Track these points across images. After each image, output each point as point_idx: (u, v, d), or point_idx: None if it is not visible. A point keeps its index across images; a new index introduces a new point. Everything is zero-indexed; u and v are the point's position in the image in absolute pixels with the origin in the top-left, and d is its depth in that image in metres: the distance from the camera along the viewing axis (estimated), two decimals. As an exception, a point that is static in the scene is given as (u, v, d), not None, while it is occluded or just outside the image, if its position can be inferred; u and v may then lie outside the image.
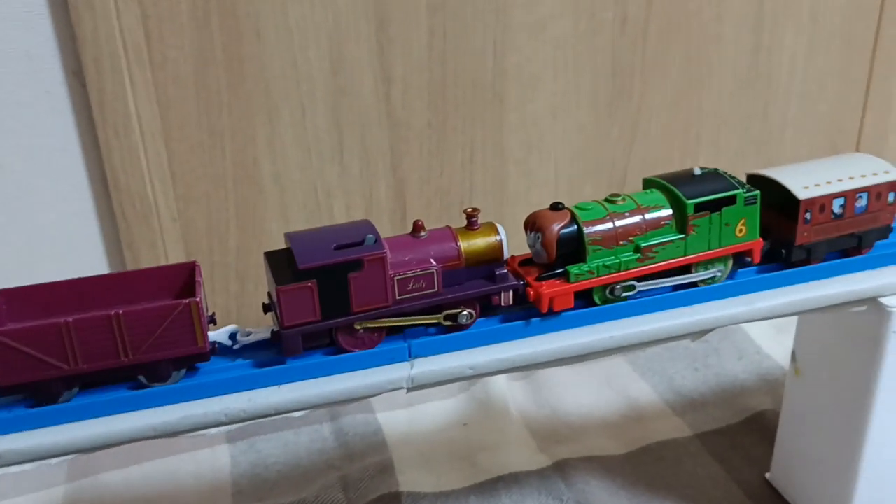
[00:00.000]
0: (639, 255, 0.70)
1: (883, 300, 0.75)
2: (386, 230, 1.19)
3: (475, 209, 0.69)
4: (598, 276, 0.69)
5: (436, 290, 0.66)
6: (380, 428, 1.05)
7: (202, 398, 0.63)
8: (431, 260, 0.66)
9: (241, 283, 1.16)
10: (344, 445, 1.02)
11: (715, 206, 0.71)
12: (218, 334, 0.67)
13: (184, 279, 0.66)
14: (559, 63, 1.17)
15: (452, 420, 1.06)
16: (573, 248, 0.69)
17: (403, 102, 1.13)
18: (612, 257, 0.69)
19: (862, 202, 0.76)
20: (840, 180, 0.75)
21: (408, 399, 1.09)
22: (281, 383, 0.64)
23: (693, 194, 0.71)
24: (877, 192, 0.76)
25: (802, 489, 0.90)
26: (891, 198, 0.77)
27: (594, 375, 1.14)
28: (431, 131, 1.16)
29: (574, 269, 0.68)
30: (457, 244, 0.67)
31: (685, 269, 0.73)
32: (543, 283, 0.68)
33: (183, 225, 1.10)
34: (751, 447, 0.99)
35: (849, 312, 0.76)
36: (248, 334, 0.67)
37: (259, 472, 0.99)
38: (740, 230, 0.72)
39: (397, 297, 0.65)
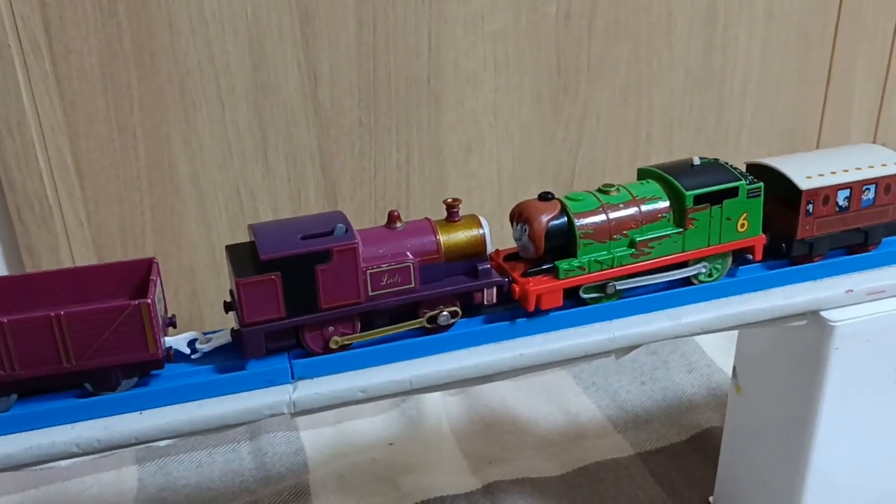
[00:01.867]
0: (633, 249, 0.64)
1: (824, 314, 0.69)
2: (316, 235, 1.13)
3: (456, 199, 0.63)
4: (590, 273, 0.64)
5: (412, 285, 0.60)
6: (302, 447, 0.98)
7: (150, 408, 0.57)
8: (408, 253, 0.60)
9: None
10: (261, 466, 0.95)
11: (716, 198, 0.65)
12: (176, 340, 0.60)
13: (143, 277, 0.60)
14: (499, 59, 1.11)
15: (381, 438, 0.99)
16: (563, 242, 0.63)
17: (332, 100, 1.06)
18: (605, 252, 0.64)
19: (869, 195, 0.70)
20: (846, 171, 0.69)
21: (335, 415, 1.02)
22: (239, 391, 0.58)
23: (692, 185, 0.65)
24: (885, 185, 0.70)
25: (746, 514, 0.84)
26: None
27: (535, 389, 1.07)
28: (363, 130, 1.09)
29: (563, 265, 0.63)
30: (436, 237, 0.62)
31: (681, 265, 0.67)
32: (530, 279, 0.63)
33: (93, 229, 1.03)
34: (694, 468, 0.93)
35: (789, 327, 0.70)
36: (209, 340, 0.61)
37: (166, 497, 0.91)
38: (742, 224, 0.67)
39: (370, 294, 0.60)
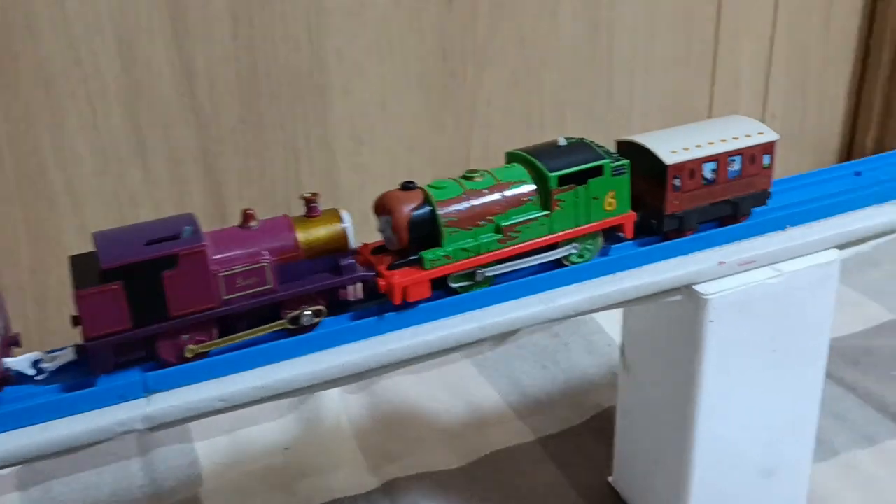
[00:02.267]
0: (500, 235, 0.63)
1: (697, 287, 0.69)
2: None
3: (314, 194, 0.61)
4: (456, 261, 0.62)
5: (270, 286, 0.58)
6: (196, 459, 0.95)
7: (15, 429, 0.54)
8: (264, 252, 0.58)
9: (40, 307, 1.04)
10: (153, 482, 0.91)
11: (580, 178, 0.65)
12: (17, 362, 0.57)
13: None
14: (383, 46, 1.09)
15: (278, 444, 0.97)
16: (427, 232, 0.62)
17: (211, 98, 1.03)
18: (471, 239, 0.63)
19: (735, 166, 0.70)
20: (711, 143, 0.69)
21: (229, 422, 0.99)
22: (88, 409, 0.56)
23: (556, 167, 0.64)
24: (751, 155, 0.70)
25: (642, 491, 0.84)
26: (766, 161, 0.71)
27: (437, 380, 1.06)
28: (246, 128, 1.06)
29: (428, 255, 0.61)
30: (293, 233, 0.60)
31: (550, 248, 0.66)
32: (395, 271, 0.61)
33: (-39, 246, 0.97)
34: (594, 449, 0.93)
35: (665, 303, 0.70)
36: (54, 358, 0.57)
37: (52, 522, 0.87)
38: (609, 203, 0.67)
39: (224, 297, 0.57)
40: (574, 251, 0.67)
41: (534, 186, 0.65)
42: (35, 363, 0.57)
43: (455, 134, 1.17)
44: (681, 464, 0.76)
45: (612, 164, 0.66)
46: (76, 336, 0.77)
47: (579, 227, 0.66)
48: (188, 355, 0.58)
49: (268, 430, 0.99)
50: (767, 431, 0.78)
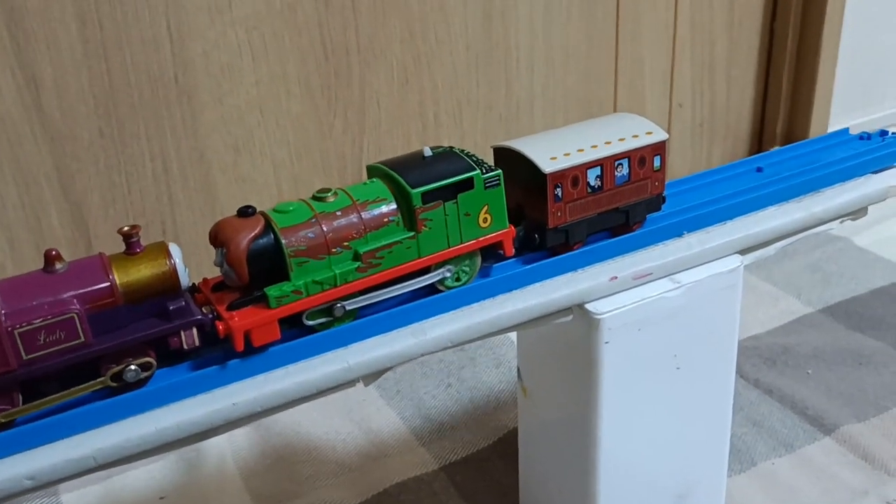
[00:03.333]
0: (359, 263, 0.56)
1: (589, 306, 0.62)
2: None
3: (134, 227, 0.53)
4: (309, 296, 0.54)
5: (81, 339, 0.50)
6: (61, 514, 0.85)
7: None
8: (73, 301, 0.50)
9: None
10: (8, 546, 0.81)
11: (448, 193, 0.57)
12: None
13: None
14: (256, 47, 0.99)
15: (155, 491, 0.87)
16: (271, 265, 0.54)
17: (61, 110, 0.92)
18: (325, 270, 0.55)
19: (623, 170, 0.63)
20: (595, 147, 0.62)
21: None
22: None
23: (419, 181, 0.56)
24: (639, 158, 0.63)
25: (549, 522, 0.78)
26: (657, 163, 0.64)
27: (334, 407, 0.98)
28: (106, 141, 0.96)
29: (273, 291, 0.53)
30: (108, 276, 0.51)
31: (421, 273, 0.58)
32: (235, 312, 0.53)
33: None
34: (500, 475, 0.86)
35: (555, 324, 0.63)
36: None
37: None
38: (484, 219, 0.59)
39: (25, 357, 0.49)
40: (448, 274, 0.59)
41: (395, 205, 0.57)
42: None
43: (343, 137, 1.08)
44: (586, 490, 0.70)
45: (485, 176, 0.58)
46: None
47: (452, 248, 0.58)
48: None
49: (144, 475, 0.89)
50: (678, 451, 0.72)
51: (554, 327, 0.64)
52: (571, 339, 0.65)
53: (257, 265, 0.53)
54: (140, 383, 0.52)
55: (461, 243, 0.59)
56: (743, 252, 0.67)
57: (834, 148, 0.76)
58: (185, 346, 0.53)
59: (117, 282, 0.51)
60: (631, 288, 0.64)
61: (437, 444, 0.91)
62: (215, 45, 0.97)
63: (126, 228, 0.53)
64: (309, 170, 1.08)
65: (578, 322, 0.63)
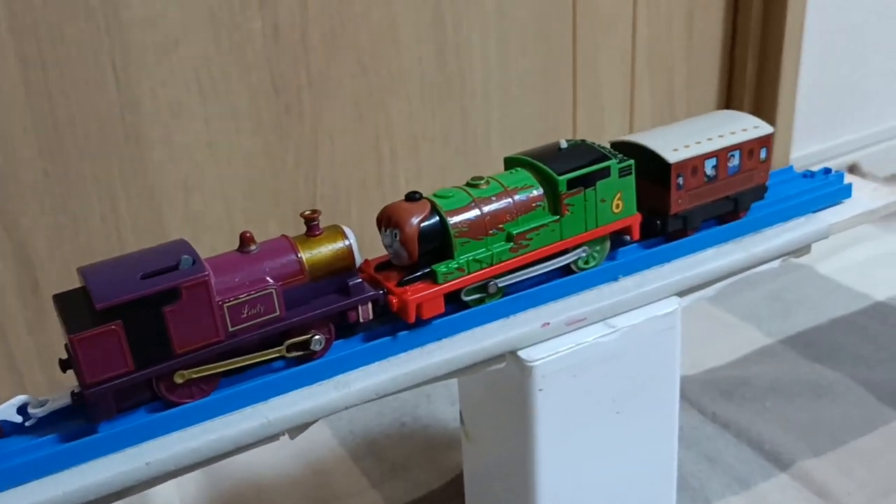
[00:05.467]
0: (511, 244, 0.60)
1: (521, 353, 0.61)
2: (13, 308, 0.97)
3: (315, 211, 0.58)
4: (470, 273, 0.59)
5: (277, 313, 0.54)
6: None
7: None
8: (268, 278, 0.54)
9: None
10: None
11: (589, 180, 0.62)
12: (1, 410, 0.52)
13: None
14: (204, 85, 0.98)
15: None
16: (437, 244, 0.59)
17: (4, 151, 0.91)
18: (483, 249, 0.60)
19: (735, 161, 0.68)
20: (710, 139, 0.67)
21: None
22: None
23: (564, 169, 0.61)
24: (749, 150, 0.69)
25: (496, 569, 0.76)
26: (763, 154, 0.70)
27: (287, 450, 0.96)
28: (52, 182, 0.94)
29: (441, 268, 0.58)
30: (297, 255, 0.56)
31: (559, 254, 0.63)
32: (407, 287, 0.58)
33: None
34: (451, 519, 0.85)
35: (489, 371, 0.62)
36: (43, 403, 0.53)
37: None
38: (617, 205, 0.64)
39: (230, 329, 0.53)
40: (584, 255, 0.64)
41: (541, 192, 0.62)
42: (21, 409, 0.52)
43: (296, 173, 1.07)
44: (529, 540, 0.68)
45: (619, 165, 0.63)
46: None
47: (589, 231, 0.63)
48: (178, 380, 0.53)
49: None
50: (622, 494, 0.71)
51: (490, 373, 0.62)
52: (507, 386, 0.64)
53: (426, 244, 0.58)
54: (321, 353, 0.56)
55: (597, 227, 0.63)
56: (681, 294, 0.67)
57: (778, 186, 0.76)
58: (361, 320, 0.57)
59: (304, 260, 0.56)
60: (565, 333, 0.63)
61: (389, 486, 0.90)
62: (162, 83, 0.96)
63: (308, 212, 0.57)
64: (262, 206, 1.07)
65: (512, 369, 0.62)
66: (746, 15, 1.33)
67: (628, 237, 0.65)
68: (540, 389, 0.62)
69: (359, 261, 0.58)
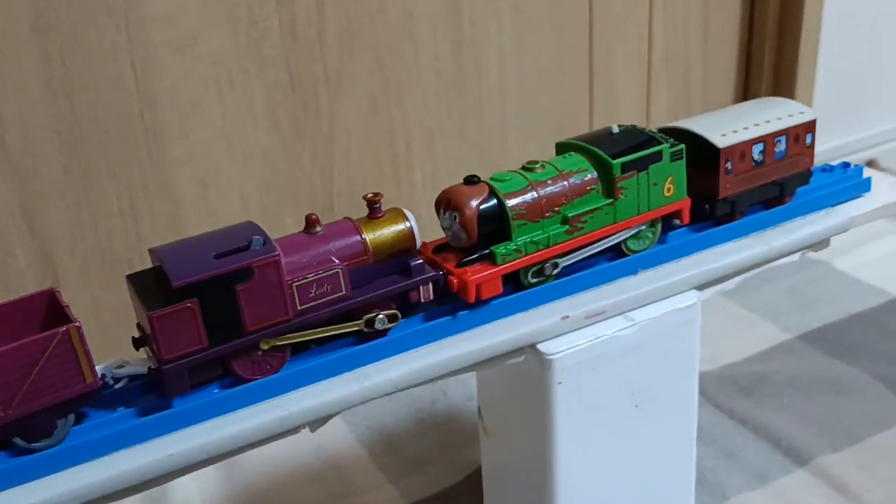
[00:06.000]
0: (567, 226, 0.62)
1: (541, 346, 0.61)
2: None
3: (377, 194, 0.59)
4: (527, 255, 0.61)
5: (343, 293, 0.56)
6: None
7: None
8: (334, 258, 0.56)
9: None
10: None
11: (642, 164, 0.63)
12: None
13: (37, 314, 0.53)
14: (222, 82, 0.99)
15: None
16: (495, 226, 0.60)
17: (26, 148, 0.92)
18: (540, 231, 0.61)
19: (781, 146, 0.70)
20: (757, 125, 0.69)
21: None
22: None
23: (617, 153, 0.63)
24: (795, 135, 0.70)
25: (514, 563, 0.76)
26: (808, 140, 0.71)
27: (304, 445, 0.96)
28: (71, 178, 0.95)
29: (500, 250, 0.60)
30: (361, 236, 0.58)
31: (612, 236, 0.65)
32: (467, 268, 0.59)
33: None
34: (469, 513, 0.85)
35: (508, 365, 0.62)
36: (123, 366, 0.56)
37: None
38: (668, 189, 0.65)
39: (299, 308, 0.55)
40: (636, 239, 0.66)
41: (595, 175, 0.63)
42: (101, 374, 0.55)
43: (313, 168, 1.08)
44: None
45: (671, 149, 0.64)
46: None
47: (641, 214, 0.64)
48: (264, 346, 0.55)
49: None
50: (640, 489, 0.70)
51: (509, 367, 0.63)
52: (526, 379, 0.64)
53: (485, 226, 0.60)
54: (385, 332, 0.58)
55: (649, 210, 0.64)
56: (700, 288, 0.66)
57: (796, 179, 0.75)
58: (422, 300, 0.59)
59: (368, 241, 0.57)
60: (584, 327, 0.63)
61: (406, 481, 0.90)
62: (181, 80, 0.97)
63: (370, 195, 0.59)
64: (278, 202, 1.07)
65: (531, 362, 0.62)
66: (763, 11, 1.32)
67: (678, 221, 0.67)
68: (559, 383, 0.62)
69: (419, 243, 0.59)
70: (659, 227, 0.66)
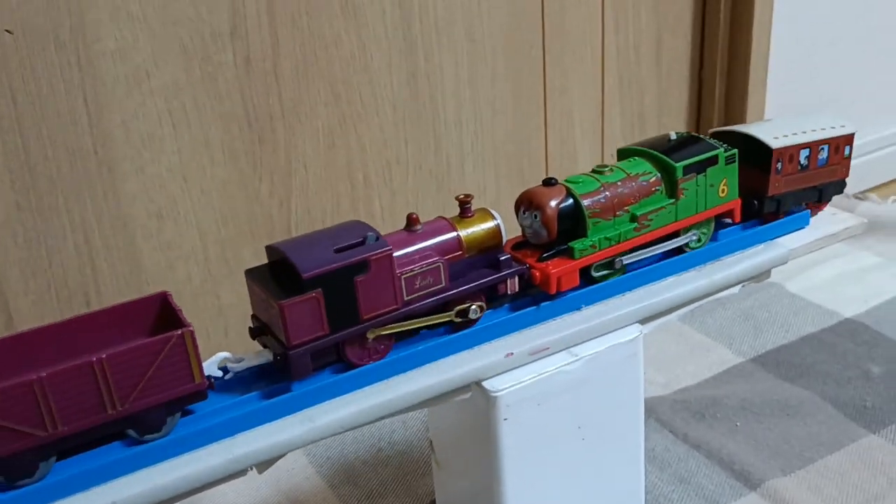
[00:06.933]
0: (635, 224, 0.68)
1: (486, 384, 0.62)
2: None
3: (468, 195, 0.65)
4: (601, 250, 0.67)
5: (443, 285, 0.61)
6: None
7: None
8: (434, 253, 0.62)
9: None
10: None
11: (700, 167, 0.70)
12: (207, 365, 0.58)
13: (149, 315, 0.57)
14: (176, 116, 0.99)
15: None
16: (571, 224, 0.67)
17: (-24, 185, 0.91)
18: (612, 229, 0.67)
19: (823, 154, 0.76)
20: (804, 132, 0.75)
21: None
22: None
23: (679, 157, 0.69)
24: (836, 145, 0.76)
25: None
26: (847, 151, 0.77)
27: (264, 478, 0.96)
28: (24, 215, 0.95)
29: (578, 245, 0.66)
30: (457, 233, 0.63)
31: (673, 235, 0.72)
32: (548, 262, 0.65)
33: None
34: (425, 546, 0.85)
35: (455, 402, 0.63)
36: (240, 360, 0.60)
37: None
38: (722, 190, 0.72)
39: (405, 298, 0.60)
40: (694, 237, 0.72)
41: (659, 177, 0.69)
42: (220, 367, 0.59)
43: (271, 201, 1.08)
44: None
45: (726, 154, 0.71)
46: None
47: (699, 213, 0.71)
48: (370, 336, 0.59)
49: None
50: (590, 521, 0.71)
51: (457, 402, 0.63)
52: (473, 415, 0.65)
53: (563, 224, 0.66)
54: (475, 321, 0.63)
55: (706, 210, 0.71)
56: (643, 322, 0.68)
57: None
58: (508, 292, 0.64)
59: (462, 238, 0.63)
60: (529, 363, 0.64)
61: (364, 514, 0.90)
62: (134, 115, 0.97)
63: (462, 196, 0.64)
64: (236, 235, 1.07)
65: (478, 399, 0.63)
66: (713, 39, 1.35)
67: (729, 220, 0.73)
68: (505, 419, 0.63)
69: (504, 239, 0.65)
70: (713, 225, 0.73)
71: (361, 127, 1.11)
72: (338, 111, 1.09)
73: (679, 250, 0.71)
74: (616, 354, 0.66)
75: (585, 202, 0.66)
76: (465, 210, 0.64)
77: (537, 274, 0.64)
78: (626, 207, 0.68)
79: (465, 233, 0.63)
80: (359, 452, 0.99)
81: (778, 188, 0.74)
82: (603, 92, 1.29)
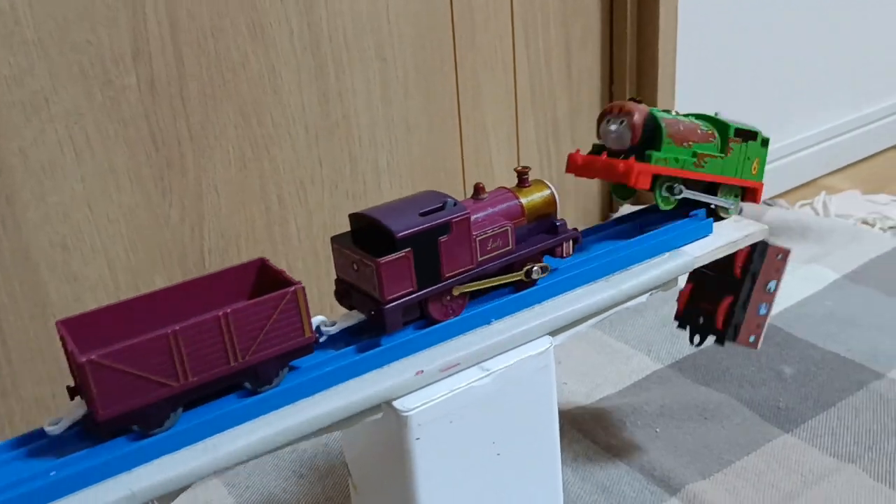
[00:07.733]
0: (695, 159, 0.75)
1: (396, 403, 0.62)
2: None
3: (526, 167, 0.70)
4: (669, 167, 0.73)
5: (510, 247, 0.66)
6: None
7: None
8: (502, 218, 0.66)
9: None
10: None
11: (745, 136, 0.79)
12: None
13: (249, 279, 0.62)
14: (78, 142, 0.96)
15: None
16: (649, 136, 0.73)
17: None
18: (681, 153, 0.74)
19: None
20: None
21: None
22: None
23: (731, 122, 0.78)
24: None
25: None
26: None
27: (179, 511, 0.93)
28: (-84, 249, 0.90)
29: (654, 153, 0.72)
30: (519, 201, 0.68)
31: (712, 192, 0.79)
32: (632, 158, 0.72)
33: None
34: (347, 571, 0.84)
35: (367, 423, 0.62)
36: (333, 324, 0.64)
37: None
38: (754, 168, 0.81)
39: (479, 259, 0.65)
40: (731, 206, 0.80)
41: (715, 131, 0.78)
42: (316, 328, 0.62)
43: (182, 226, 1.06)
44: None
45: (762, 136, 0.81)
46: None
47: (737, 178, 0.79)
48: (455, 293, 0.64)
49: None
50: (510, 537, 0.71)
51: (369, 424, 0.62)
52: (386, 435, 0.64)
53: (646, 132, 0.72)
54: (536, 281, 0.68)
55: (741, 177, 0.80)
56: (553, 334, 0.68)
57: (644, 223, 0.79)
58: (564, 255, 0.69)
59: (524, 205, 0.68)
60: (439, 380, 0.63)
61: (286, 542, 0.88)
62: (33, 142, 0.94)
63: (520, 167, 0.69)
64: (146, 262, 1.05)
65: (389, 419, 0.62)
66: (621, 49, 1.38)
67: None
68: (417, 438, 0.62)
69: (558, 207, 0.70)
70: (739, 200, 0.81)
71: (274, 148, 1.10)
72: (248, 133, 1.07)
73: (716, 216, 0.79)
74: (527, 367, 0.66)
75: (665, 121, 0.73)
76: (524, 180, 0.69)
77: (621, 166, 0.71)
78: (690, 142, 0.75)
79: (525, 200, 0.68)
80: (279, 481, 0.97)
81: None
82: (516, 104, 1.30)
